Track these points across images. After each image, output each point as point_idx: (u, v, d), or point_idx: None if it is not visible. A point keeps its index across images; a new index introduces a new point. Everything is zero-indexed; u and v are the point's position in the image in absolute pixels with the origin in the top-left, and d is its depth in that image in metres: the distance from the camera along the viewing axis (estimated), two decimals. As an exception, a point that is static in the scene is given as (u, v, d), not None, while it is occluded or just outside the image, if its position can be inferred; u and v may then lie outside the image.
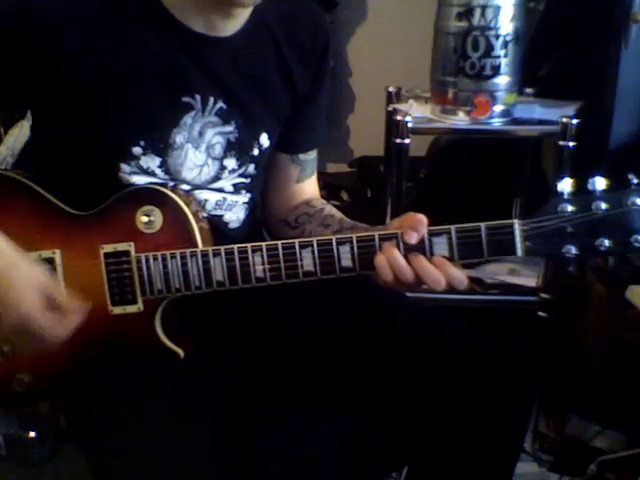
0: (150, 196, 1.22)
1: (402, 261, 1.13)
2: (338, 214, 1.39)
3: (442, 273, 1.12)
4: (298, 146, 1.44)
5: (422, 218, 1.14)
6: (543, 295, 2.00)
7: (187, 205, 1.22)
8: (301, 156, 1.45)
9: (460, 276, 1.12)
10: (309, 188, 1.48)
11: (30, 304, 1.13)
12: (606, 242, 1.08)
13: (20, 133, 1.86)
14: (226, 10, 1.23)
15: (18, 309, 1.13)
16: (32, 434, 1.32)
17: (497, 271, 2.08)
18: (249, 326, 1.37)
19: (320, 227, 1.37)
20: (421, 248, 1.13)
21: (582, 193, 1.09)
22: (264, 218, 1.49)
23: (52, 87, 1.20)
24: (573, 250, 1.10)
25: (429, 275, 1.12)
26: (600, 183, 1.08)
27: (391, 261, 1.13)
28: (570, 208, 1.09)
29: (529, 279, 2.05)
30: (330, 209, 1.41)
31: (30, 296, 1.14)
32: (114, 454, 1.13)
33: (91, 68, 1.19)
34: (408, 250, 1.13)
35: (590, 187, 1.09)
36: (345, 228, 1.33)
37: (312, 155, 1.46)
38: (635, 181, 1.07)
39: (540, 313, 2.01)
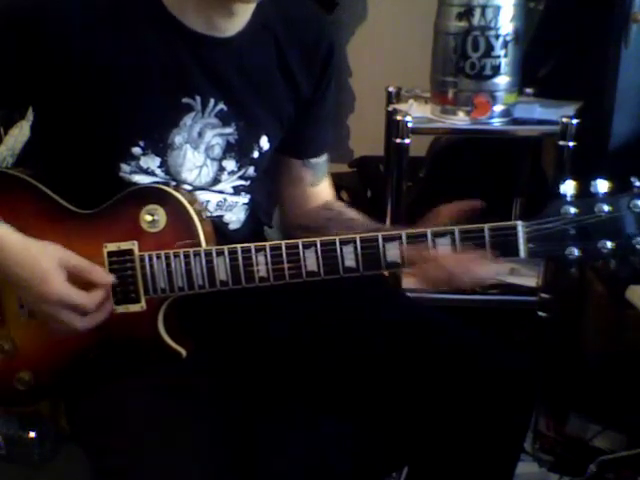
0: (154, 195, 1.22)
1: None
2: (360, 217, 1.40)
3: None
4: (309, 150, 1.44)
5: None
6: (543, 295, 2.00)
7: (191, 204, 1.22)
8: (312, 160, 1.44)
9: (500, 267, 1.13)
10: (324, 191, 1.48)
11: (57, 282, 1.14)
12: (608, 244, 1.09)
13: (20, 133, 1.86)
14: (228, 7, 1.22)
15: (46, 290, 1.14)
16: (32, 434, 1.32)
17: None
18: (250, 327, 1.37)
19: (343, 230, 1.34)
20: (425, 248, 1.14)
21: (585, 196, 1.10)
22: (284, 227, 1.49)
23: (55, 86, 1.21)
24: (575, 252, 1.10)
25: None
26: (602, 186, 1.09)
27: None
28: (573, 210, 1.09)
29: (529, 279, 2.05)
30: (351, 212, 1.42)
31: (55, 274, 1.15)
32: (114, 454, 1.13)
33: (93, 69, 1.20)
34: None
35: (593, 190, 1.09)
36: (370, 231, 1.29)
37: (323, 157, 1.46)
38: (637, 184, 1.08)
39: (540, 313, 2.01)
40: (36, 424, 1.32)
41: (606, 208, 1.08)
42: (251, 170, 1.35)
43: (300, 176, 1.45)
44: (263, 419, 1.32)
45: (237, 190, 1.35)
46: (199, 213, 1.23)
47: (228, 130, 1.29)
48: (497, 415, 1.26)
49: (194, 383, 1.23)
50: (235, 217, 1.37)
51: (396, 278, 1.99)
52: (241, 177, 1.34)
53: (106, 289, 1.19)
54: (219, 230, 1.31)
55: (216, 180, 1.32)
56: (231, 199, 1.35)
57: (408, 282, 2.01)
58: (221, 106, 1.27)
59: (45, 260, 1.15)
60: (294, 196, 1.46)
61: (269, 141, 1.34)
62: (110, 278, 1.19)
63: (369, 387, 1.31)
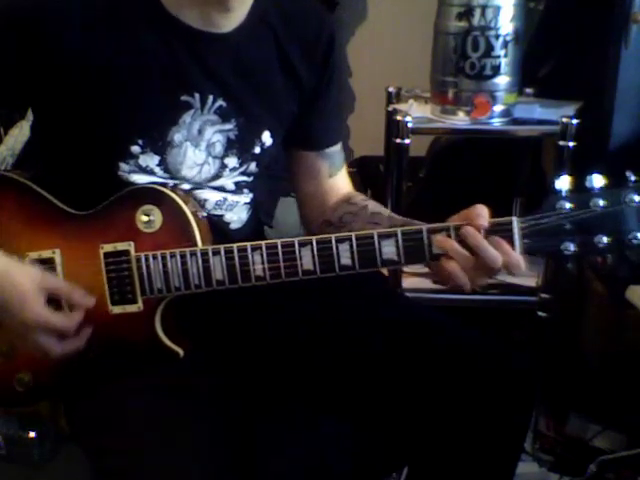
0: (150, 195, 1.22)
1: (458, 247, 1.12)
2: (385, 211, 1.38)
3: (500, 252, 1.11)
4: (322, 141, 1.43)
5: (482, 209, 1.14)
6: (543, 295, 2.00)
7: (187, 204, 1.22)
8: (328, 150, 1.44)
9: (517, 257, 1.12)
10: (342, 182, 1.47)
11: (36, 305, 1.15)
12: (604, 239, 1.09)
13: (20, 133, 1.86)
14: (224, 3, 1.22)
15: (24, 312, 1.15)
16: (32, 434, 1.32)
17: (497, 271, 2.08)
18: (248, 326, 1.37)
19: (368, 225, 1.34)
20: (420, 245, 1.13)
21: (580, 190, 1.10)
22: (306, 224, 1.48)
23: (54, 86, 1.21)
24: (571, 247, 1.10)
25: (487, 254, 1.11)
26: (598, 180, 1.09)
27: (450, 249, 1.12)
28: (568, 205, 1.09)
29: (529, 279, 2.05)
30: (374, 205, 1.40)
31: (34, 297, 1.15)
32: (114, 454, 1.13)
33: (91, 68, 1.20)
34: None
35: (588, 184, 1.09)
36: (396, 225, 1.26)
37: (338, 146, 1.45)
38: (633, 178, 1.08)
39: (540, 313, 2.01)
40: (36, 424, 1.32)
41: (601, 203, 1.08)
42: (253, 166, 1.35)
43: (317, 168, 1.44)
44: (262, 419, 1.32)
45: (239, 187, 1.35)
46: (195, 213, 1.23)
47: (228, 126, 1.29)
48: (497, 415, 1.26)
49: (193, 383, 1.23)
50: (236, 217, 1.37)
51: (396, 278, 1.99)
52: (243, 173, 1.34)
53: (85, 311, 1.19)
54: (219, 229, 1.31)
55: (217, 176, 1.32)
56: (232, 198, 1.35)
57: (408, 282, 2.02)
58: (220, 102, 1.27)
59: (24, 282, 1.16)
60: (313, 190, 1.45)
61: (271, 136, 1.34)
62: (91, 301, 1.20)
63: (369, 387, 1.30)
